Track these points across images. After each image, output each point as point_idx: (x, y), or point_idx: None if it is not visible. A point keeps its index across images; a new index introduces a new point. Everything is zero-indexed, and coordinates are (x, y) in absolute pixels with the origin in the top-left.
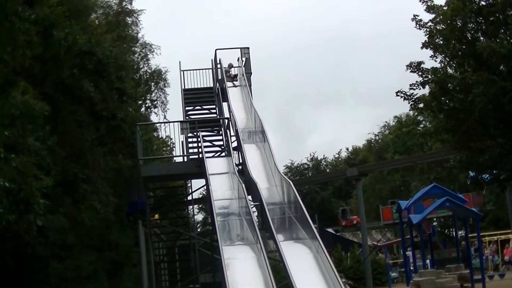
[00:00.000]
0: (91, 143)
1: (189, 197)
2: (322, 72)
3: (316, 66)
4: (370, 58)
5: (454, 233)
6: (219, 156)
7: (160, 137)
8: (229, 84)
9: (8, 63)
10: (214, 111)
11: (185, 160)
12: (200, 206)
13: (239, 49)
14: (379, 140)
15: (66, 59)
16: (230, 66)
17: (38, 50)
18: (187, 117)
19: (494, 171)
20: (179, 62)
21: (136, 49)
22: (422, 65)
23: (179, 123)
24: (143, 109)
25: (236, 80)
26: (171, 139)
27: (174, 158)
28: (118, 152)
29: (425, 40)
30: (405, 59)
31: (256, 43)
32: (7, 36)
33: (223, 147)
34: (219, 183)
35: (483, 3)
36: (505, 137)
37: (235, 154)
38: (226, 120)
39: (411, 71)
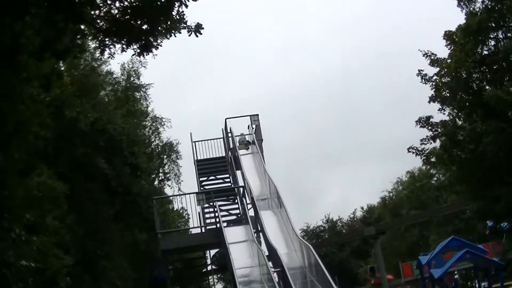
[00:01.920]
0: (108, 219)
1: (209, 267)
2: (328, 132)
3: (320, 125)
4: (374, 114)
5: (477, 284)
6: (236, 224)
7: (175, 209)
8: (241, 152)
9: (29, 146)
10: (228, 180)
11: (203, 230)
12: (219, 276)
13: (249, 117)
14: (393, 197)
15: (78, 138)
16: (242, 140)
17: (51, 131)
18: (201, 188)
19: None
20: (190, 133)
21: (146, 123)
22: (431, 119)
23: (194, 194)
24: (156, 182)
25: (248, 148)
26: (185, 210)
27: (191, 230)
28: (134, 227)
29: (432, 94)
30: (409, 112)
31: (262, 108)
32: (22, 120)
33: (239, 215)
34: (239, 252)
35: (485, 52)
36: None
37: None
38: (241, 189)
39: (421, 126)
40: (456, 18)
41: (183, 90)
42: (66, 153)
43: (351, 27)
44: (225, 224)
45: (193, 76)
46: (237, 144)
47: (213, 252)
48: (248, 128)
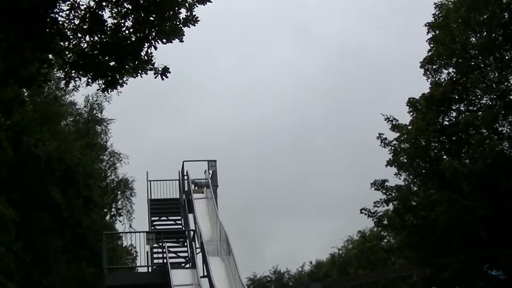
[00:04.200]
0: (56, 250)
1: None
2: (282, 183)
3: (273, 177)
4: (326, 170)
5: None
6: (184, 267)
7: (124, 245)
8: (195, 195)
9: None
10: (180, 222)
11: (150, 270)
12: None
13: (207, 162)
14: (343, 254)
15: (35, 165)
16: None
17: (7, 156)
18: (152, 227)
19: (457, 287)
20: (146, 172)
21: (104, 157)
22: (386, 183)
23: (144, 233)
24: (108, 217)
25: (203, 192)
26: (134, 247)
27: (138, 268)
28: (82, 259)
29: (390, 158)
30: (364, 172)
31: (219, 150)
32: None
33: (187, 259)
34: None
35: (446, 123)
36: (468, 254)
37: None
38: (192, 232)
39: (375, 189)
40: (421, 87)
41: (141, 127)
42: (21, 180)
43: (317, 75)
44: (172, 265)
45: (152, 113)
46: (192, 187)
47: None
48: (205, 172)
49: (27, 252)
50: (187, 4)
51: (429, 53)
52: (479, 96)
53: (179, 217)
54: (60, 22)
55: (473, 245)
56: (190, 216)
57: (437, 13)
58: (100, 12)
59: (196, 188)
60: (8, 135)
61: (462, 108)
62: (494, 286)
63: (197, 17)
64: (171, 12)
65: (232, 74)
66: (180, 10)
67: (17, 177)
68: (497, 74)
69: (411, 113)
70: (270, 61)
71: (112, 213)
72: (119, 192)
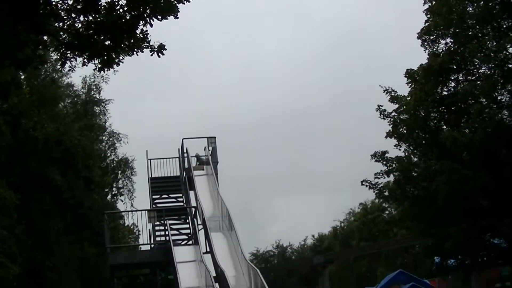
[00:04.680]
0: (58, 232)
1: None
2: (282, 159)
3: (275, 152)
4: (325, 146)
5: None
6: (186, 244)
7: (126, 224)
8: (196, 172)
9: None
10: (181, 199)
11: (153, 248)
12: None
13: (206, 139)
14: (345, 227)
15: (33, 148)
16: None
17: (6, 139)
18: (154, 206)
19: (459, 257)
20: (146, 151)
21: (103, 137)
22: (386, 155)
23: (146, 211)
24: (109, 197)
25: (203, 169)
26: (136, 226)
27: (141, 246)
28: (84, 240)
29: (389, 130)
30: (365, 146)
31: (219, 129)
32: None
33: (190, 235)
34: (187, 271)
35: (445, 93)
36: (469, 223)
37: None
38: (193, 209)
39: (376, 160)
40: (419, 57)
41: (139, 106)
42: (20, 163)
43: (314, 59)
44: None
45: (151, 92)
46: (194, 163)
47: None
48: (205, 149)
49: (29, 235)
50: None
51: (426, 24)
52: (477, 66)
53: (180, 195)
54: (54, 3)
55: (474, 215)
56: (191, 193)
57: None
58: None
59: (198, 164)
60: (6, 119)
61: (461, 78)
62: (496, 254)
63: None
64: None
65: (230, 52)
66: None
67: (16, 161)
68: (495, 43)
69: (410, 84)
70: (269, 38)
71: (113, 193)
72: (119, 172)
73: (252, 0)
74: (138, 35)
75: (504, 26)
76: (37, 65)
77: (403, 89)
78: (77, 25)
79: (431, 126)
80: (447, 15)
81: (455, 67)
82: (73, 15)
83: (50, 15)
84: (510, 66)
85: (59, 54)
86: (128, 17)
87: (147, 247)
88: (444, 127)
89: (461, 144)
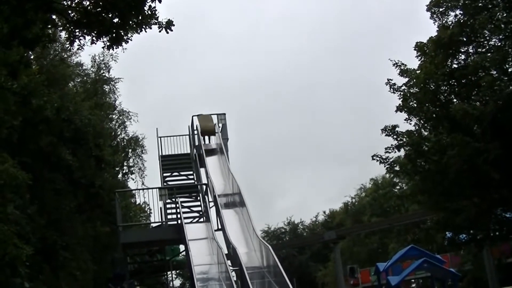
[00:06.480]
0: (70, 211)
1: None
2: (291, 134)
3: (284, 128)
4: (334, 121)
5: None
6: (197, 221)
7: (138, 203)
8: (206, 148)
9: None
10: (192, 177)
11: (164, 226)
12: (178, 271)
13: (216, 115)
14: (356, 203)
15: (44, 127)
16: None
17: (17, 119)
18: (165, 183)
19: (471, 231)
20: (156, 129)
21: (113, 116)
22: (397, 129)
23: (157, 189)
24: (120, 175)
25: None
26: (148, 205)
27: (152, 224)
28: (96, 219)
29: (399, 104)
30: (375, 121)
31: (226, 105)
32: None
33: (201, 213)
34: (199, 249)
35: (455, 66)
36: (481, 197)
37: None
38: (204, 186)
39: (386, 135)
40: (428, 30)
41: (148, 84)
42: (31, 143)
43: (321, 26)
44: (187, 221)
45: (159, 68)
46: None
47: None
48: (215, 125)
49: (41, 215)
50: None
51: None
52: (488, 38)
53: (191, 172)
54: None
55: (485, 188)
56: (202, 170)
57: None
58: None
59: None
60: (16, 99)
61: (471, 50)
62: (508, 228)
63: None
64: None
65: (236, 25)
66: None
67: (27, 140)
68: (505, 14)
69: (419, 57)
70: (275, 10)
71: (124, 171)
72: (130, 150)
73: None
74: (146, 11)
75: None
76: (46, 43)
77: (413, 62)
78: (85, 3)
79: (442, 99)
80: None
81: (465, 39)
82: None
83: None
84: None
85: (67, 32)
86: None
87: (159, 225)
88: (455, 100)
89: (472, 116)
